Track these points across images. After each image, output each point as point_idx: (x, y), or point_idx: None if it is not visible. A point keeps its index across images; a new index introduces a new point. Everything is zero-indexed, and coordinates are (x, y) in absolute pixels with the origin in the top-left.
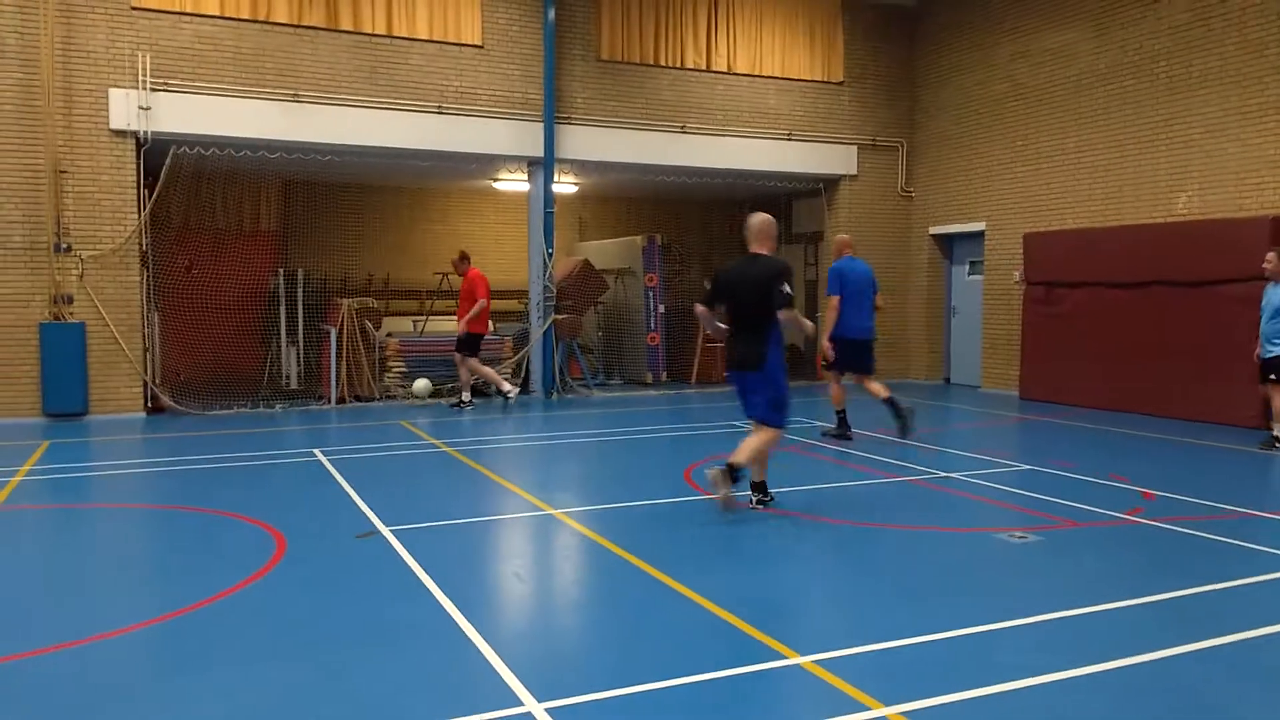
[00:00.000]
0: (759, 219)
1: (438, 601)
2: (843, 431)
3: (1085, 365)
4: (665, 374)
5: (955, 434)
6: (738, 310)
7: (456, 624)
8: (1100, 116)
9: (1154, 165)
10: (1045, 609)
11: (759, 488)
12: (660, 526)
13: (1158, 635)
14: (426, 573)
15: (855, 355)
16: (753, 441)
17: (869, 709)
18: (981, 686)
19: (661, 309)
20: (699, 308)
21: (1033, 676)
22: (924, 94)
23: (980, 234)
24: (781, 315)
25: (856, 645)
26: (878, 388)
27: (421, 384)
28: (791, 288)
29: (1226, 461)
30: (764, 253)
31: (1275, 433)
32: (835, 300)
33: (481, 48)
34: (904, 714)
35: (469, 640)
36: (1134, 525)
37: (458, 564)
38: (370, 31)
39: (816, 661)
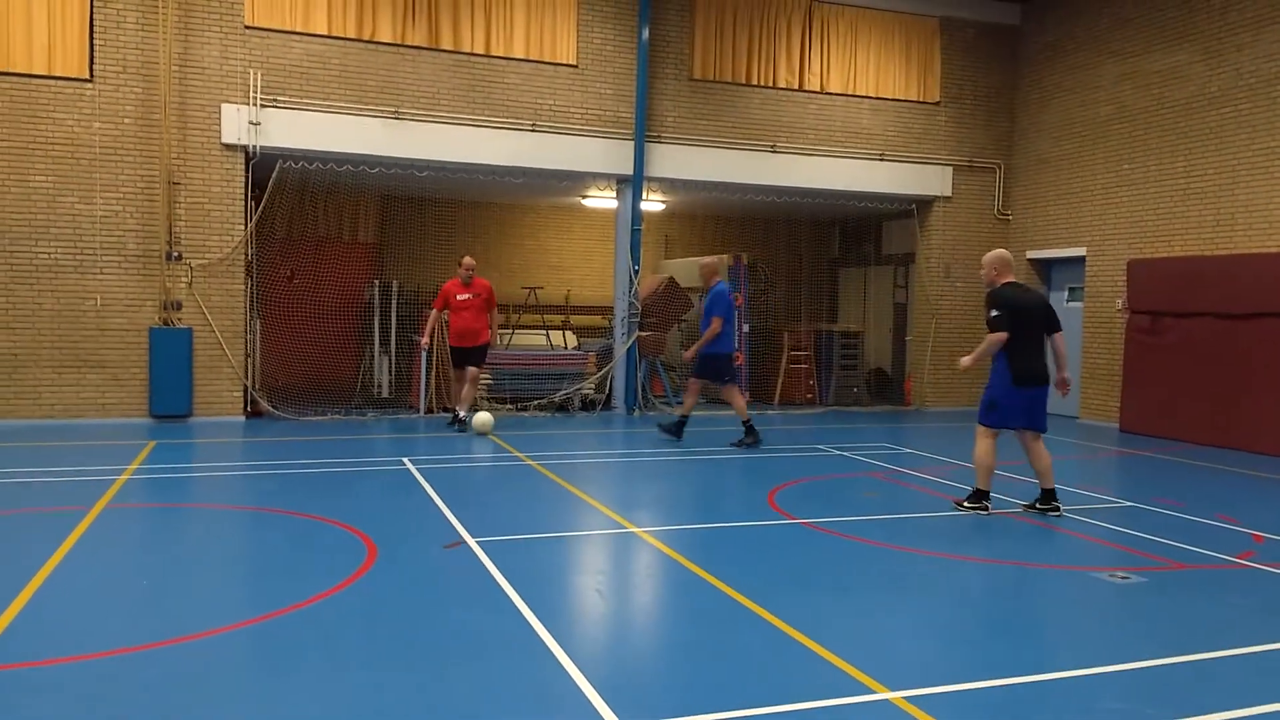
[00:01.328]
0: (1005, 252)
1: (522, 615)
2: (754, 439)
3: (1192, 398)
4: (748, 394)
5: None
6: (1029, 332)
7: (540, 638)
8: (1211, 140)
9: (1269, 192)
10: (1148, 654)
11: (1051, 495)
12: (744, 550)
13: (1269, 688)
14: (511, 585)
15: (727, 367)
16: (1047, 459)
17: None
18: None
19: (745, 328)
20: (1000, 336)
21: None
22: (1024, 115)
23: (1081, 259)
24: (1061, 338)
25: (949, 682)
26: (742, 404)
27: (482, 418)
28: None
29: None
30: (1016, 280)
31: None
32: (719, 321)
33: (576, 67)
34: None
35: (553, 655)
36: (1244, 569)
37: (542, 578)
38: (469, 51)
39: (907, 698)
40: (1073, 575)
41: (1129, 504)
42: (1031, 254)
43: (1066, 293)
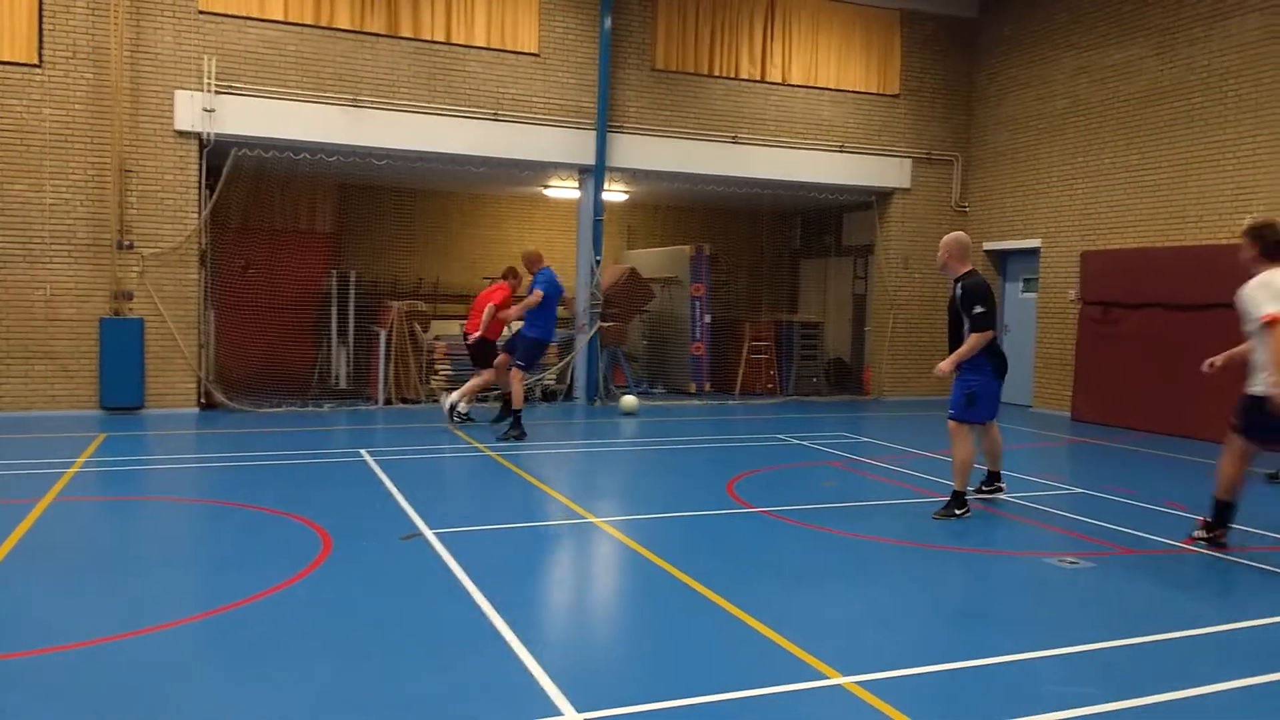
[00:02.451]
0: (964, 235)
1: (479, 606)
2: (520, 432)
3: (1142, 387)
4: (709, 384)
5: (1006, 454)
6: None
7: (497, 629)
8: (1164, 134)
9: (1219, 185)
10: (1094, 638)
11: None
12: (702, 539)
13: (1210, 670)
14: (469, 577)
15: (540, 353)
16: (1001, 442)
17: None
18: (1025, 715)
19: (707, 319)
20: (987, 335)
21: (1078, 707)
22: (981, 108)
23: (1035, 251)
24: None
25: (900, 667)
26: (520, 392)
27: (631, 400)
28: None
29: None
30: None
31: None
32: (540, 294)
33: (538, 56)
34: None
35: (509, 646)
36: (1189, 554)
37: (499, 569)
38: (430, 38)
39: (859, 682)
40: (1023, 561)
41: (1079, 490)
42: (988, 245)
43: (1021, 283)
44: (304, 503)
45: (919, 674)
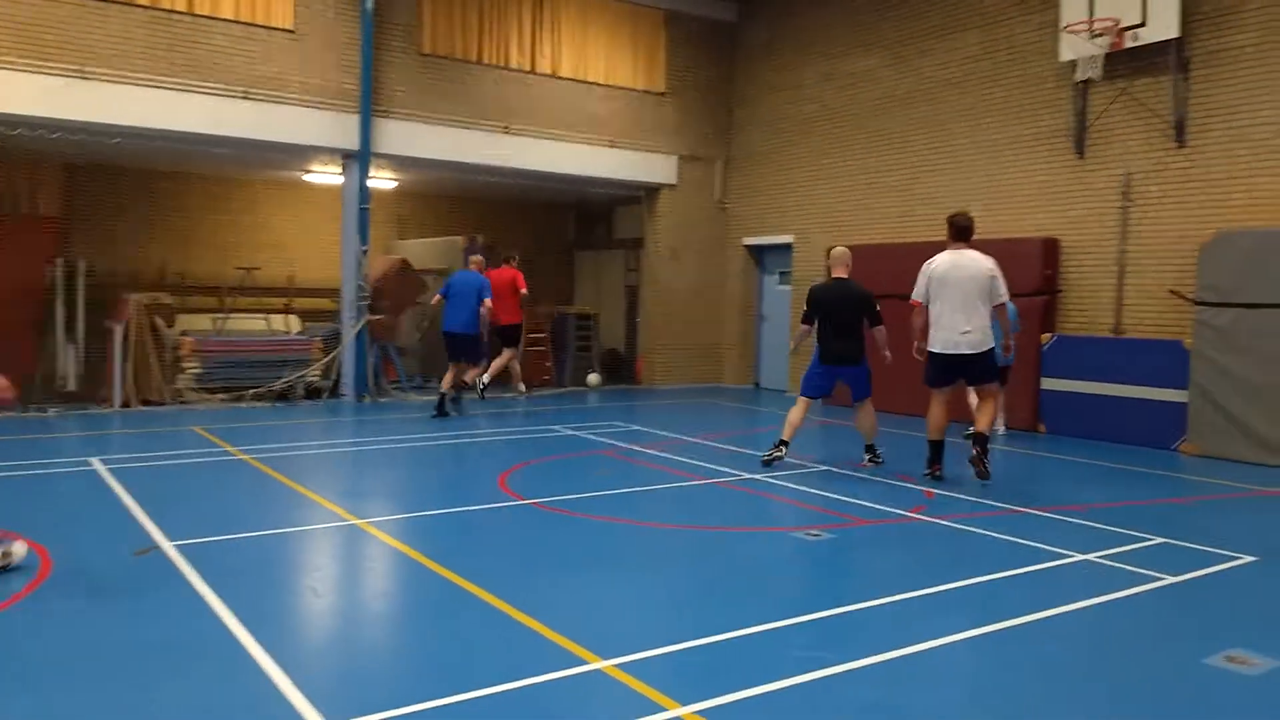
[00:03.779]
0: (842, 250)
1: (223, 621)
2: (448, 411)
3: (880, 372)
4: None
5: (761, 437)
6: (835, 320)
7: (242, 645)
8: (898, 138)
9: (942, 186)
10: (835, 603)
11: (871, 449)
12: (470, 534)
13: (935, 624)
14: (213, 591)
15: (460, 347)
16: (868, 419)
17: (666, 709)
18: (773, 681)
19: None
20: (803, 326)
21: (822, 669)
22: (740, 109)
23: (789, 246)
24: (879, 331)
25: (657, 647)
26: (449, 380)
27: (595, 378)
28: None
29: (1001, 462)
30: (846, 277)
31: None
32: (439, 299)
33: (293, 32)
34: (699, 713)
35: (255, 662)
36: (916, 522)
37: (249, 580)
38: (169, 7)
39: (617, 665)
40: (773, 536)
41: (824, 468)
42: (746, 240)
43: (778, 277)
44: (17, 519)
45: (675, 651)
